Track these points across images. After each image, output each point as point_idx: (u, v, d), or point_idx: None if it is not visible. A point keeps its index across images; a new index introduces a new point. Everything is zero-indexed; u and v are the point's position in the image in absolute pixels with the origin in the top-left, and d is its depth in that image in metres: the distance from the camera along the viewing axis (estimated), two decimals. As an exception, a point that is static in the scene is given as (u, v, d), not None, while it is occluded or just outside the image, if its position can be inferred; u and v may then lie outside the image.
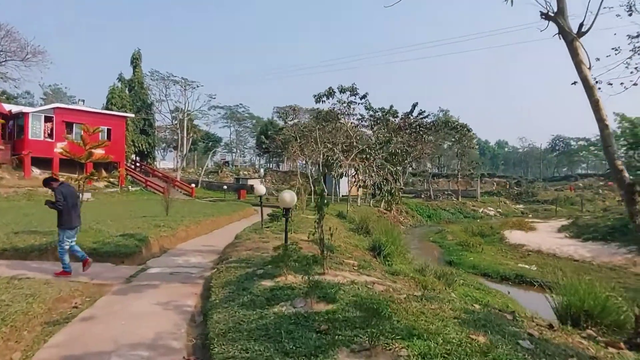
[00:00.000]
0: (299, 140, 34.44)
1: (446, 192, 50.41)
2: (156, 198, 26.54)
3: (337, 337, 3.89)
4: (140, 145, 41.93)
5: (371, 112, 34.29)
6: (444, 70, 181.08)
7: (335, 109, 29.44)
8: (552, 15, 5.24)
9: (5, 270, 7.58)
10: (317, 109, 32.22)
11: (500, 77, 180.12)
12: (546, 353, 3.83)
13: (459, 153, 48.27)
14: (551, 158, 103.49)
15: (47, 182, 8.03)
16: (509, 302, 10.41)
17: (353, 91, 28.26)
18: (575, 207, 42.10)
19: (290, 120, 49.00)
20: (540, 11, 5.31)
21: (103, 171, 26.11)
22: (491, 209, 44.07)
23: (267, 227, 13.78)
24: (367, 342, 3.66)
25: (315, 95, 27.35)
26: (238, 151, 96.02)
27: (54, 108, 31.60)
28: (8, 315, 4.89)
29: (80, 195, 11.37)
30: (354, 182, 28.49)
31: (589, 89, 5.03)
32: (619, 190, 5.24)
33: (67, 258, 7.62)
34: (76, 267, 7.99)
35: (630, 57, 7.18)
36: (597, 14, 5.12)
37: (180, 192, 34.57)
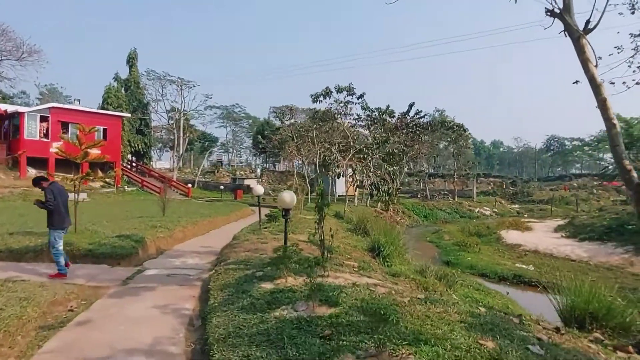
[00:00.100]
0: (295, 140, 34.32)
1: (442, 192, 50.40)
2: (152, 198, 26.37)
3: (341, 342, 3.77)
4: (136, 145, 41.70)
5: (368, 112, 34.21)
6: (439, 70, 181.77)
7: (332, 109, 29.33)
8: (558, 12, 5.15)
9: (-1, 272, 7.42)
10: (314, 108, 32.11)
11: (496, 77, 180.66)
12: (557, 359, 3.73)
13: (455, 153, 48.27)
14: (546, 158, 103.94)
15: (37, 182, 7.84)
16: (509, 303, 10.34)
17: (350, 91, 28.13)
18: (570, 207, 42.19)
19: (287, 120, 48.88)
20: (545, 8, 5.22)
21: (99, 171, 25.92)
22: (487, 208, 44.08)
23: (265, 228, 13.67)
24: (373, 348, 3.56)
25: (312, 95, 27.21)
26: (234, 151, 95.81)
27: (49, 108, 31.34)
28: (1, 319, 4.75)
29: (76, 195, 11.23)
30: (352, 182, 28.39)
31: (596, 88, 4.95)
32: (627, 190, 5.16)
33: (62, 259, 7.48)
34: (72, 268, 7.86)
35: (632, 56, 7.11)
36: (604, 11, 5.04)
37: (177, 192, 34.35)
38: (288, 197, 7.22)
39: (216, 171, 58.40)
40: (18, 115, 29.52)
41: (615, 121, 4.87)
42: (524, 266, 16.68)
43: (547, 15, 5.27)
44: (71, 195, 10.92)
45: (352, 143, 28.99)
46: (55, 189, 7.52)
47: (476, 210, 42.51)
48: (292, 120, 46.78)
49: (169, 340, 4.69)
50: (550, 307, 6.77)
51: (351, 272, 7.47)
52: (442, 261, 17.82)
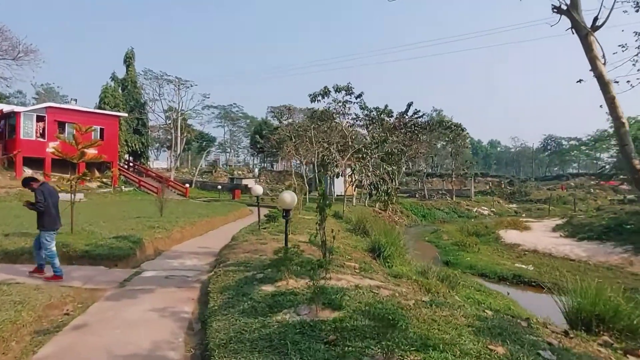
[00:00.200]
0: (293, 140, 34.21)
1: (440, 192, 50.40)
2: (150, 198, 26.21)
3: (347, 348, 3.65)
4: (133, 144, 41.54)
5: (366, 112, 34.12)
6: (437, 69, 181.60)
7: (331, 109, 29.24)
8: (565, 8, 5.05)
9: (-6, 275, 7.27)
10: (312, 108, 32.02)
11: (493, 76, 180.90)
12: (569, 364, 3.63)
13: (452, 153, 48.28)
14: (543, 157, 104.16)
15: (26, 183, 7.66)
16: (511, 304, 10.25)
17: (348, 90, 28.06)
18: (568, 207, 42.24)
19: (285, 120, 48.74)
20: (552, 5, 5.11)
21: (96, 171, 25.75)
22: (485, 208, 44.10)
23: (264, 229, 13.55)
24: (380, 354, 3.44)
25: (310, 95, 27.14)
26: (232, 151, 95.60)
27: (46, 107, 31.19)
28: (-5, 324, 4.61)
29: (73, 195, 11.10)
30: (350, 181, 28.31)
31: (604, 86, 4.85)
32: (638, 190, 5.07)
33: (57, 261, 7.34)
34: (69, 270, 7.72)
35: (637, 54, 7.01)
36: (612, 7, 4.94)
37: (174, 192, 34.18)
38: (289, 197, 7.07)
39: (214, 171, 58.22)
40: (14, 114, 29.32)
41: (624, 120, 4.78)
42: (523, 266, 16.63)
43: (553, 12, 5.17)
44: (68, 196, 10.82)
45: (350, 143, 28.93)
46: (45, 190, 7.35)
47: (474, 210, 42.53)
48: (290, 120, 46.61)
49: (168, 345, 4.56)
50: (553, 307, 6.69)
51: (353, 273, 7.36)
52: (441, 261, 17.74)
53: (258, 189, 13.73)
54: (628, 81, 6.76)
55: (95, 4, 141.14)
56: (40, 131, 29.93)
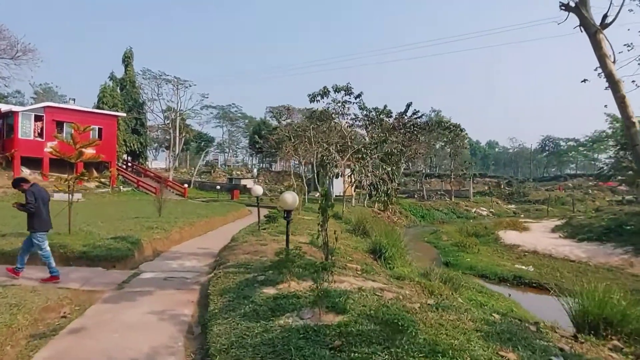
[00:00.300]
0: (292, 140, 34.11)
1: (439, 192, 50.40)
2: (148, 198, 26.05)
3: (353, 354, 3.53)
4: (132, 144, 41.36)
5: (365, 112, 34.05)
6: (436, 70, 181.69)
7: (330, 109, 29.16)
8: (574, 6, 4.96)
9: (-10, 276, 7.13)
10: (311, 108, 31.94)
11: (492, 77, 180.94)
12: (583, 371, 3.53)
13: (451, 153, 48.25)
14: (541, 158, 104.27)
15: (16, 183, 7.49)
16: (513, 306, 10.17)
17: (348, 90, 28.00)
18: (566, 207, 42.25)
19: (284, 120, 48.63)
20: (560, 2, 5.01)
21: (94, 171, 25.68)
22: (484, 209, 44.06)
23: (264, 229, 13.43)
24: (387, 360, 3.32)
25: (309, 95, 27.10)
26: (230, 151, 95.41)
27: (44, 107, 31.04)
28: (-11, 328, 4.49)
29: (70, 195, 10.98)
30: (350, 182, 28.22)
31: (614, 85, 4.75)
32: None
33: (53, 262, 7.21)
34: (66, 272, 7.60)
35: (643, 54, 6.92)
36: (622, 4, 4.84)
37: (173, 192, 34.03)
38: (290, 198, 6.95)
39: (212, 171, 58.07)
40: (12, 114, 29.19)
41: (635, 119, 4.68)
42: (523, 267, 16.55)
43: (561, 9, 5.07)
44: (65, 196, 10.70)
45: (349, 143, 28.84)
46: (35, 191, 7.21)
47: (473, 211, 42.50)
48: (289, 120, 46.51)
49: (167, 349, 4.45)
50: (555, 309, 6.58)
51: (355, 275, 7.25)
52: (441, 262, 17.65)
53: (258, 190, 13.60)
54: (633, 81, 6.66)
55: (95, 4, 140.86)
56: (39, 131, 29.79)
